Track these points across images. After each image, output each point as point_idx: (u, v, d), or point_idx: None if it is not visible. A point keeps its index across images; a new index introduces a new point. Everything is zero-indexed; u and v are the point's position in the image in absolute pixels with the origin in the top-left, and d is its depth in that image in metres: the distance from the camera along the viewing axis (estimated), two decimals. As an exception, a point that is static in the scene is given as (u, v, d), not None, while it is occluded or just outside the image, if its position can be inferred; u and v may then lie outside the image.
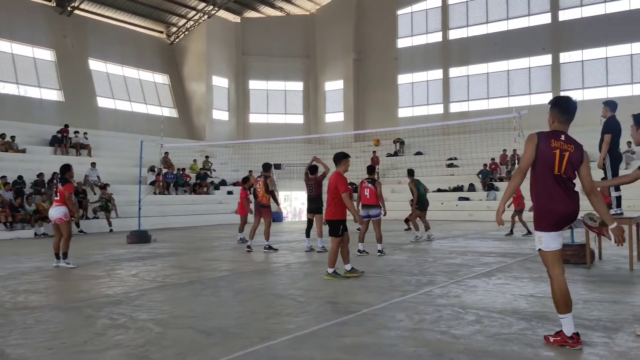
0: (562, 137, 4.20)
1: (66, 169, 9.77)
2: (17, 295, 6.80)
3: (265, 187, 11.46)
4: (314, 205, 11.49)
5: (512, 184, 4.29)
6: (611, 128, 8.06)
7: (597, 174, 6.75)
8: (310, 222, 11.79)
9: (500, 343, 4.29)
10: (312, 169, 11.54)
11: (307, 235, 11.64)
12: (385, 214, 10.47)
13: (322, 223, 11.52)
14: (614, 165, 8.18)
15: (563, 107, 4.27)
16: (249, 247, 11.69)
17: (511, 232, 14.58)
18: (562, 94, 5.22)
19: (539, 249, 4.25)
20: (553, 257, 4.20)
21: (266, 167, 11.88)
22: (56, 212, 9.40)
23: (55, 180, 9.66)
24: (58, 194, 9.48)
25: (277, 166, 25.60)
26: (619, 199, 8.23)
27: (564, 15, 28.94)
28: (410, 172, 13.61)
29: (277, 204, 12.63)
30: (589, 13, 28.11)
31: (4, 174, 18.34)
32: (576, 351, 4.05)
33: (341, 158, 7.89)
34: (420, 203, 13.43)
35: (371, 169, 10.75)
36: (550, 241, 4.18)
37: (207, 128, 32.59)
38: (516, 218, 14.61)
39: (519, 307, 5.58)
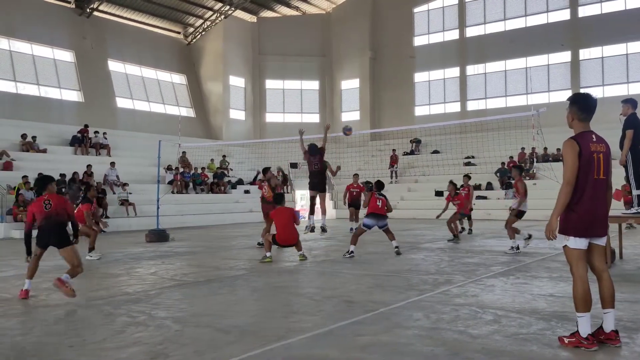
0: (594, 138, 4.14)
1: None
2: (39, 292, 6.92)
3: (271, 189, 11.80)
4: (316, 180, 11.03)
5: (562, 198, 4.05)
6: (633, 125, 7.92)
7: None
8: (313, 200, 11.32)
9: (519, 343, 4.24)
10: (312, 148, 11.04)
11: (312, 212, 11.52)
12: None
13: (324, 202, 11.24)
14: (636, 163, 8.04)
15: (582, 105, 4.21)
16: (259, 243, 11.91)
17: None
18: (582, 91, 5.10)
19: (564, 246, 4.16)
20: (578, 256, 4.13)
21: (264, 170, 12.42)
22: None
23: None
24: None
25: (294, 165, 25.65)
26: (639, 197, 8.09)
27: (583, 12, 28.52)
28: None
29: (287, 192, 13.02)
30: (609, 9, 27.65)
31: (25, 173, 18.64)
32: (596, 351, 3.99)
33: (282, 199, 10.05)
34: None
35: (381, 185, 10.48)
36: (576, 240, 4.11)
37: (224, 127, 32.79)
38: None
39: (538, 306, 5.51)
